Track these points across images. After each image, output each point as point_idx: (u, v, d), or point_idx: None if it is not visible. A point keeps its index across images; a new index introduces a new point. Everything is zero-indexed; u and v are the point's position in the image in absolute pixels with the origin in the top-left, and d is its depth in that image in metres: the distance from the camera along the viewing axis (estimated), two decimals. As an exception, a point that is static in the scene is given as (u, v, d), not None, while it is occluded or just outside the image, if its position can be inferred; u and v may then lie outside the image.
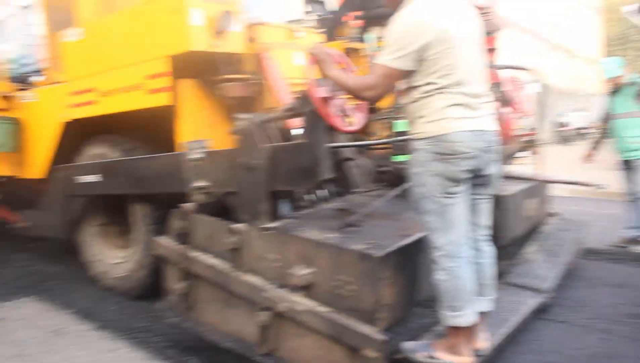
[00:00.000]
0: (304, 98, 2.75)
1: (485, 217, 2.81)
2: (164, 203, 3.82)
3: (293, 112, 2.88)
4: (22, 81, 5.62)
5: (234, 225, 3.07)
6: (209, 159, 3.28)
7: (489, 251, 2.85)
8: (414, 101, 2.60)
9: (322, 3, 5.94)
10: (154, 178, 3.80)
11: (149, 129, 4.28)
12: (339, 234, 2.80)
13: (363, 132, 4.87)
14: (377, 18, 5.10)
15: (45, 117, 4.82)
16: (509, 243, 4.37)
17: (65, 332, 3.80)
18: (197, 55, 3.58)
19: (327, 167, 2.81)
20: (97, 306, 4.26)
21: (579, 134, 23.57)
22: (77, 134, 4.58)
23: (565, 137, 22.26)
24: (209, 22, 3.52)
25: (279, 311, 2.82)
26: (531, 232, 4.68)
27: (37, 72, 5.53)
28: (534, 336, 3.44)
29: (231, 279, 3.08)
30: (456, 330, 2.65)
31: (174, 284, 3.49)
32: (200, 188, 3.30)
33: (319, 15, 5.60)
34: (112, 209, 4.64)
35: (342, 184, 4.21)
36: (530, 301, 3.56)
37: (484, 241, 2.83)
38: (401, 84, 2.71)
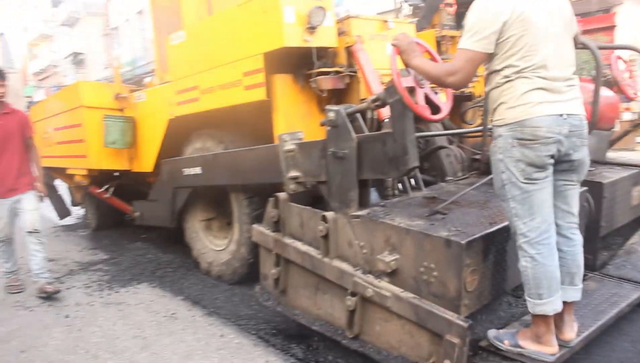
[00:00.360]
0: (390, 88, 2.81)
1: (574, 204, 2.75)
2: (262, 193, 4.03)
3: (380, 103, 2.94)
4: (135, 82, 6.07)
5: (325, 213, 3.19)
6: (301, 150, 3.42)
7: (577, 239, 2.79)
8: (496, 87, 2.60)
9: (419, -9, 5.94)
10: (252, 170, 4.01)
11: (247, 123, 4.52)
12: (425, 221, 2.84)
13: (459, 120, 4.87)
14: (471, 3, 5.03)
15: (154, 115, 5.21)
16: (609, 233, 4.22)
17: (178, 317, 4.07)
18: (291, 50, 3.73)
19: (414, 156, 2.84)
20: (205, 293, 4.51)
21: None
22: (182, 130, 4.90)
23: None
24: (300, 18, 3.65)
25: (366, 297, 2.91)
26: (635, 222, 4.46)
27: (149, 73, 5.96)
28: (629, 326, 3.33)
29: (321, 265, 3.20)
30: (541, 318, 2.62)
31: (269, 269, 3.67)
32: (293, 178, 3.45)
33: (415, 4, 5.60)
34: (215, 200, 4.93)
35: (434, 172, 4.26)
36: (629, 294, 3.40)
37: (573, 228, 2.77)
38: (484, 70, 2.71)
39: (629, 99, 4.75)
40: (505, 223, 2.77)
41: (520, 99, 2.50)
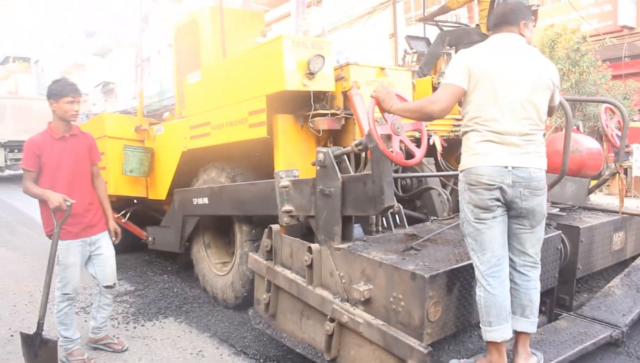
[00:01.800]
0: (369, 135, 3.13)
1: (529, 246, 2.99)
2: (262, 224, 4.34)
3: (362, 147, 3.26)
4: (160, 113, 6.50)
5: (310, 244, 3.49)
6: (295, 186, 3.73)
7: (532, 276, 3.02)
8: (462, 135, 2.98)
9: (424, 39, 6.28)
10: (252, 202, 4.33)
11: (253, 158, 4.88)
12: (398, 256, 3.12)
13: (454, 162, 5.15)
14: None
15: (170, 147, 5.60)
16: (592, 276, 4.42)
17: (205, 355, 3.99)
18: (291, 93, 4.08)
19: (390, 196, 3.14)
20: (233, 331, 4.42)
21: None
22: (195, 162, 5.28)
23: None
24: (301, 65, 4.01)
25: (342, 322, 3.18)
26: (619, 266, 4.66)
27: (168, 108, 6.40)
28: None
29: (306, 292, 3.49)
30: (493, 345, 2.87)
31: (261, 295, 3.98)
32: (287, 211, 3.76)
33: (419, 52, 5.93)
34: (220, 228, 5.26)
35: (425, 210, 4.54)
36: (597, 334, 3.60)
37: (528, 266, 3.01)
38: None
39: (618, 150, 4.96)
40: (469, 261, 3.03)
41: (472, 149, 2.85)
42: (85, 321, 4.64)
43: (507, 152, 2.80)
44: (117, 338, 4.21)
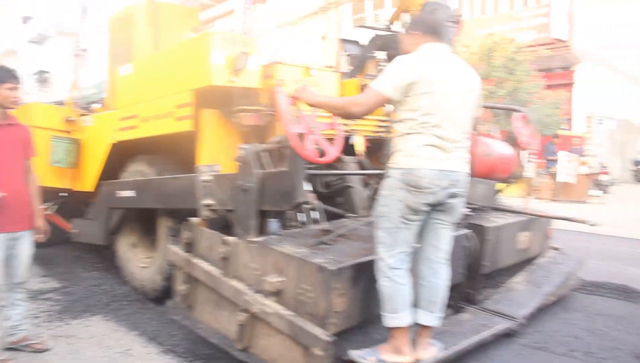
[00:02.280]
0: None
1: (444, 241, 3.21)
2: (183, 217, 4.40)
3: (281, 145, 3.38)
4: (86, 107, 6.43)
5: (227, 237, 3.59)
6: (216, 181, 3.83)
7: (443, 274, 3.22)
8: (398, 136, 3.07)
9: (356, 42, 6.44)
10: (175, 195, 4.39)
11: (182, 152, 4.93)
12: (309, 250, 3.26)
13: (377, 162, 5.33)
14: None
15: (98, 139, 5.58)
16: (499, 272, 4.68)
17: (132, 354, 3.85)
18: (218, 89, 4.16)
19: (303, 192, 3.28)
20: (162, 329, 4.27)
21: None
22: (122, 154, 5.28)
23: None
24: (228, 61, 4.10)
25: (253, 313, 3.30)
26: (525, 263, 4.96)
27: (101, 100, 6.36)
28: (474, 349, 3.66)
29: (221, 283, 3.59)
30: (398, 331, 3.05)
31: (179, 286, 4.04)
32: (207, 205, 3.85)
33: (351, 54, 6.09)
34: (144, 221, 5.29)
35: (346, 207, 4.70)
36: (495, 326, 3.84)
37: (440, 263, 3.21)
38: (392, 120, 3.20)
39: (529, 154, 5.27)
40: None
41: (415, 150, 2.97)
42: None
43: (445, 157, 3.00)
44: (40, 337, 4.01)
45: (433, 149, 2.98)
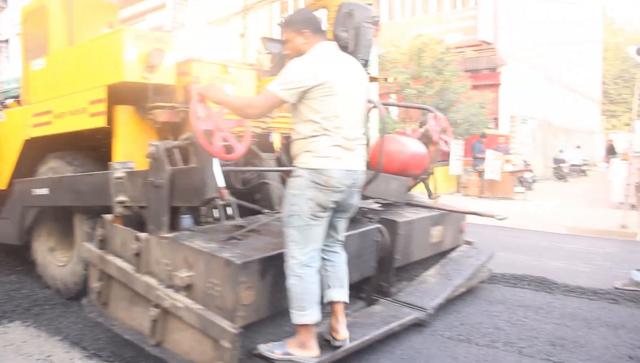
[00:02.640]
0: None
1: (342, 232, 3.44)
2: (99, 215, 4.36)
3: (190, 142, 3.42)
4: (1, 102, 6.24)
5: (139, 234, 3.60)
6: (128, 178, 3.82)
7: (342, 254, 3.47)
8: (303, 138, 3.14)
9: (279, 41, 6.52)
10: (90, 193, 4.35)
11: (98, 148, 4.87)
12: (219, 245, 3.31)
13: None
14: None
15: (11, 135, 5.43)
16: (407, 265, 4.87)
17: (53, 360, 3.72)
18: (132, 85, 4.15)
19: (213, 188, 3.34)
20: (86, 333, 4.12)
21: (576, 171, 24.19)
22: (38, 151, 5.16)
23: (563, 173, 22.81)
24: (141, 57, 4.09)
25: (165, 308, 3.33)
26: (439, 256, 5.18)
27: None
28: (400, 343, 3.93)
29: (134, 279, 3.59)
30: (304, 327, 3.16)
31: (94, 283, 4.02)
32: (121, 202, 3.84)
33: (272, 53, 6.16)
34: (61, 219, 5.19)
35: (264, 203, 4.78)
36: (404, 316, 4.02)
37: (337, 246, 3.44)
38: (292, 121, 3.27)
39: (442, 151, 5.49)
40: (283, 250, 3.29)
41: (324, 151, 3.08)
42: None
43: (350, 156, 3.15)
44: None
45: (340, 149, 3.12)
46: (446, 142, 5.44)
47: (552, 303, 5.02)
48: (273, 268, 3.25)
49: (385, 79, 16.10)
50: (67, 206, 4.79)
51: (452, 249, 5.48)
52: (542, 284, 5.63)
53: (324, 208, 3.13)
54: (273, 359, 3.17)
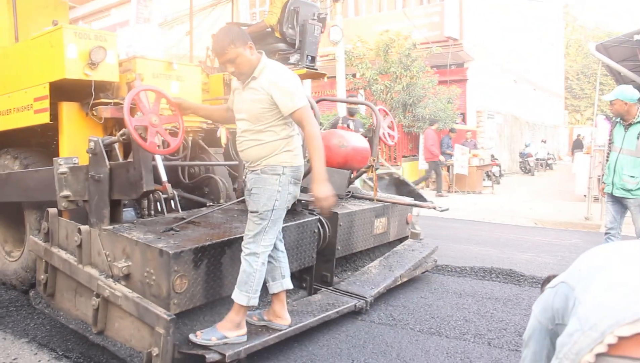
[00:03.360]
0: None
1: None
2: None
3: (126, 137, 3.54)
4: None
5: (81, 226, 3.72)
6: (72, 173, 3.92)
7: (282, 246, 3.74)
8: (282, 138, 3.39)
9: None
10: (36, 188, 4.43)
11: (47, 144, 4.95)
12: (156, 236, 3.45)
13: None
14: (271, 52, 5.83)
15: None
16: (352, 256, 5.06)
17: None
18: (75, 82, 4.24)
19: (150, 181, 3.47)
20: (54, 335, 4.01)
21: (542, 164, 24.74)
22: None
23: (529, 167, 23.30)
24: (83, 55, 4.19)
25: (105, 297, 3.46)
26: (383, 248, 5.38)
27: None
28: (372, 337, 4.04)
29: (77, 270, 3.72)
30: (243, 309, 3.39)
31: (40, 275, 4.13)
32: (65, 196, 3.94)
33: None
34: (10, 214, 5.26)
35: (212, 196, 4.92)
36: (341, 304, 4.21)
37: (279, 239, 3.69)
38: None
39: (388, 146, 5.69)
40: (219, 240, 3.46)
41: (297, 150, 3.44)
42: None
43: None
44: None
45: (301, 148, 3.52)
46: (392, 136, 5.63)
47: (520, 295, 5.16)
48: (207, 258, 3.41)
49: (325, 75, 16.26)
50: (13, 201, 4.87)
51: (399, 240, 5.69)
52: (510, 276, 5.77)
53: (295, 199, 3.55)
54: (210, 345, 3.31)
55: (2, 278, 5.21)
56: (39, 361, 3.63)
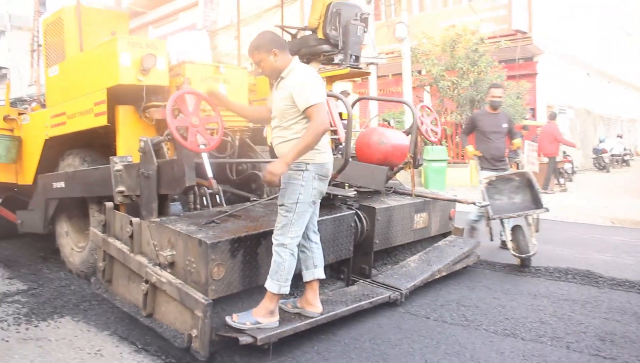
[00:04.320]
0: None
1: (316, 214, 3.92)
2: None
3: (169, 137, 3.86)
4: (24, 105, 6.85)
5: (132, 218, 4.07)
6: (126, 170, 4.29)
7: (317, 238, 3.93)
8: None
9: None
10: (96, 184, 4.86)
11: (108, 145, 5.40)
12: (198, 227, 3.75)
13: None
14: (315, 54, 6.07)
15: (35, 135, 6.03)
16: (394, 250, 5.21)
17: (103, 354, 3.77)
18: (127, 87, 4.63)
19: (192, 177, 3.77)
20: (133, 329, 4.17)
21: (618, 161, 23.74)
22: (57, 149, 5.73)
23: (604, 164, 22.44)
24: (135, 62, 4.57)
25: (153, 283, 3.79)
26: (426, 243, 5.51)
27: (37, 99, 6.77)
28: (445, 338, 3.98)
29: (129, 259, 4.08)
30: (276, 297, 3.62)
31: (99, 263, 4.53)
32: (120, 192, 4.32)
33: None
34: (78, 208, 5.75)
35: (259, 192, 5.21)
36: (375, 295, 4.39)
37: (313, 232, 3.89)
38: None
39: (432, 143, 5.80)
40: (254, 232, 3.73)
41: (323, 147, 3.66)
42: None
43: (329, 149, 3.76)
44: None
45: (328, 145, 3.74)
46: (435, 133, 5.74)
47: (599, 297, 4.91)
48: (243, 248, 3.67)
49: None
50: (80, 197, 5.33)
51: (443, 235, 5.79)
52: (588, 277, 5.52)
53: (321, 195, 3.75)
54: (244, 329, 3.55)
55: (70, 266, 5.69)
56: (121, 353, 3.78)
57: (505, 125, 6.84)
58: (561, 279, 5.52)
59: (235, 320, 3.61)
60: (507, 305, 4.65)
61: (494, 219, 5.84)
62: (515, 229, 5.93)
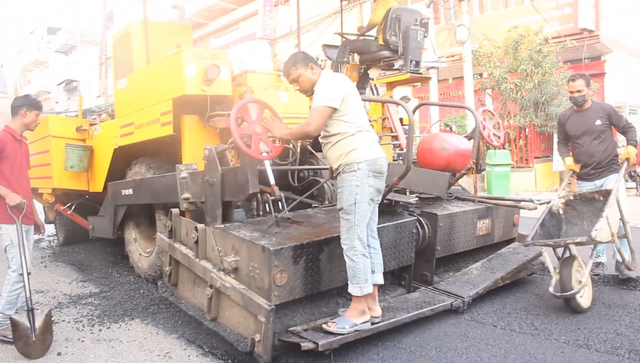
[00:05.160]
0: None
1: (375, 220, 3.89)
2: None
3: (232, 145, 3.95)
4: (93, 116, 7.16)
5: (197, 224, 4.18)
6: (191, 177, 4.41)
7: (376, 244, 3.90)
8: (349, 136, 3.65)
9: (338, 47, 6.95)
10: (162, 191, 5.01)
11: (176, 154, 5.57)
12: (261, 234, 3.81)
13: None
14: (376, 60, 6.09)
15: (105, 145, 6.28)
16: (457, 257, 5.13)
17: (172, 357, 3.89)
18: (192, 97, 4.77)
19: (255, 184, 3.84)
20: (200, 332, 4.29)
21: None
22: (125, 158, 5.95)
23: None
24: (200, 73, 4.70)
25: (217, 288, 3.88)
26: (489, 249, 5.41)
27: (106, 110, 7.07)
28: (514, 347, 3.85)
29: (194, 264, 4.18)
30: (364, 297, 3.66)
31: (165, 267, 4.67)
32: (186, 198, 4.44)
33: (332, 59, 6.62)
34: (145, 215, 5.95)
35: (320, 198, 5.26)
36: (436, 303, 4.34)
37: (372, 237, 3.87)
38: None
39: (494, 147, 5.68)
40: (317, 239, 3.76)
41: (371, 144, 3.71)
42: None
43: (377, 145, 3.79)
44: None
45: (375, 142, 3.75)
46: (498, 137, 5.64)
47: None
48: (305, 254, 3.70)
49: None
50: (147, 203, 5.51)
51: (506, 242, 5.67)
52: None
53: (379, 192, 3.77)
54: (344, 334, 3.61)
55: (139, 271, 5.89)
56: (189, 356, 3.90)
57: (598, 122, 5.31)
58: (637, 288, 5.17)
59: (333, 327, 3.66)
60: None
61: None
62: (566, 261, 4.59)
